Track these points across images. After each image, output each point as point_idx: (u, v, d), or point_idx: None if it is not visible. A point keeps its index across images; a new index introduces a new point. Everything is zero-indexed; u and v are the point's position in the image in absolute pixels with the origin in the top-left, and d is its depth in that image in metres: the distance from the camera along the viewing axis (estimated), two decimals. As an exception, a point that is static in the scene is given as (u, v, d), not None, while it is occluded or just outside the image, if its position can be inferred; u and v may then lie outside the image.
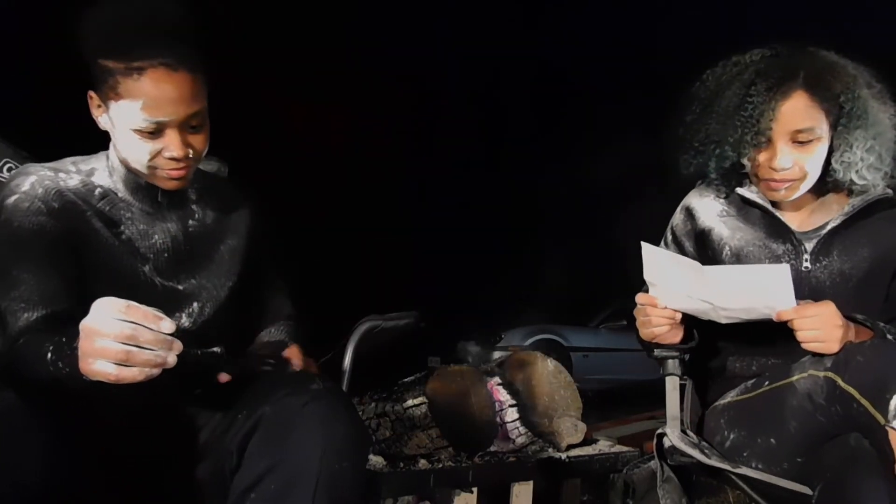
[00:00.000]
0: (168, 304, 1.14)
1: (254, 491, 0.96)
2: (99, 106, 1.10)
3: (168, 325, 0.88)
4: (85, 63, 1.06)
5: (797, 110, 1.28)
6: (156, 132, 1.06)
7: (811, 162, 1.30)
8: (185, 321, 1.16)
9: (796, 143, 1.29)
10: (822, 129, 1.29)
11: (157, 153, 1.08)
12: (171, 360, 0.88)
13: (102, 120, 1.11)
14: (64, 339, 0.91)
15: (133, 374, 0.86)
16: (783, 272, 1.18)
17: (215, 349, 1.13)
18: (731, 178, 1.43)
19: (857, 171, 1.30)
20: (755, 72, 1.33)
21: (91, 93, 1.09)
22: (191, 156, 1.10)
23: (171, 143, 1.07)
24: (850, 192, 1.36)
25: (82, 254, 1.09)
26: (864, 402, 1.08)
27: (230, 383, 1.11)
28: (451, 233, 9.90)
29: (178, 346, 0.89)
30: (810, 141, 1.29)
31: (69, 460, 0.92)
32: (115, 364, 0.85)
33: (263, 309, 1.33)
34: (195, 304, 1.18)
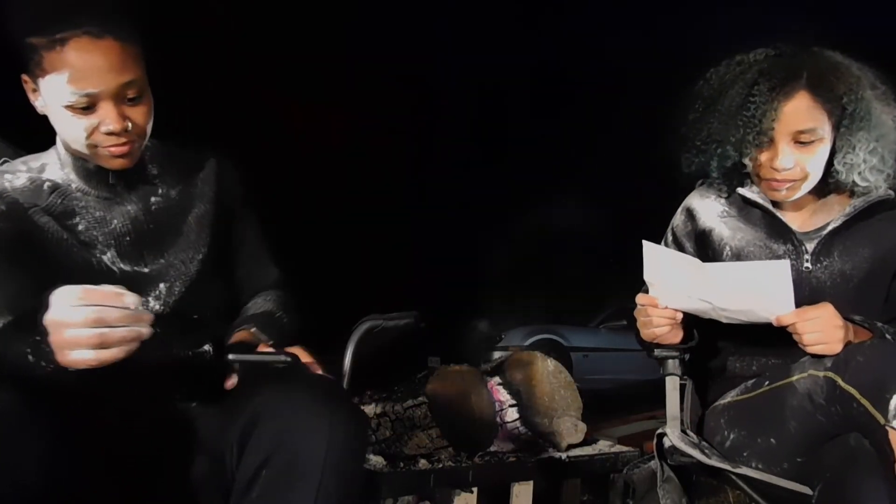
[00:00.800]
0: (129, 289, 1.10)
1: (256, 484, 0.95)
2: (34, 90, 1.05)
3: (132, 298, 0.88)
4: (15, 46, 1.01)
5: (799, 111, 1.28)
6: (88, 107, 1.00)
7: (812, 162, 1.30)
8: (153, 304, 1.11)
9: (798, 144, 1.29)
10: (825, 129, 1.29)
11: (94, 129, 1.02)
12: (146, 331, 0.88)
13: (39, 104, 1.06)
14: (38, 339, 0.90)
15: (113, 354, 0.86)
16: (783, 269, 1.18)
17: (205, 347, 1.10)
18: (732, 178, 1.44)
19: (859, 173, 1.31)
20: (758, 71, 1.33)
21: (24, 76, 1.04)
22: (130, 129, 1.03)
23: (107, 116, 1.01)
24: (852, 194, 1.36)
25: (34, 252, 1.06)
26: (864, 401, 1.08)
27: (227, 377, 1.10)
28: (452, 233, 9.90)
29: (149, 316, 0.89)
30: (812, 142, 1.29)
31: (68, 460, 0.92)
32: (92, 349, 0.85)
33: (245, 276, 1.26)
34: (161, 285, 1.12)
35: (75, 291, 0.86)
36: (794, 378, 1.19)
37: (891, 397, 1.05)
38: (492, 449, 2.17)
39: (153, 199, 1.14)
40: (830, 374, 1.13)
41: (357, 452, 1.00)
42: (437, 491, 2.02)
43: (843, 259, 1.35)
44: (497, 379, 2.27)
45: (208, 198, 1.19)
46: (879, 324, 1.26)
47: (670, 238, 1.52)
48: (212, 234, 1.17)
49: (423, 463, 2.04)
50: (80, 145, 1.04)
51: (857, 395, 1.08)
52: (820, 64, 1.31)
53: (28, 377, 0.93)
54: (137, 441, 1.05)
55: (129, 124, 1.03)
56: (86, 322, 0.84)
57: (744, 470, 1.26)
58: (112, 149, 1.04)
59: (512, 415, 2.21)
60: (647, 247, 1.31)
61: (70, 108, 1.00)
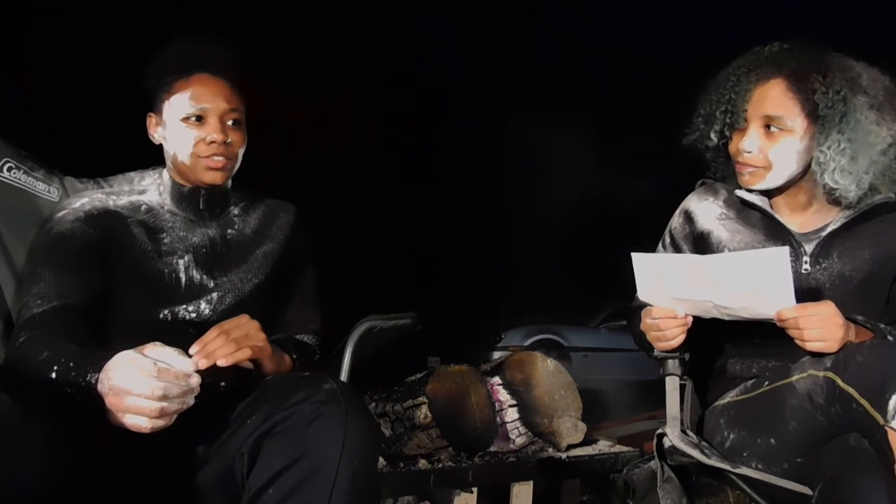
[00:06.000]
0: (189, 298, 1.25)
1: (272, 486, 0.97)
2: (157, 123, 1.30)
3: (195, 378, 0.94)
4: (148, 87, 1.30)
5: (771, 96, 1.31)
6: (200, 119, 1.25)
7: (776, 152, 1.31)
8: (204, 308, 1.25)
9: (766, 131, 1.31)
10: (795, 122, 1.29)
11: (201, 140, 1.25)
12: (191, 401, 0.94)
13: (158, 134, 1.31)
14: (72, 364, 0.97)
15: (164, 423, 0.92)
16: (781, 256, 1.16)
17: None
18: (725, 168, 1.46)
19: (830, 174, 1.30)
20: (758, 60, 1.36)
21: (150, 114, 1.31)
22: (228, 142, 1.26)
23: (213, 130, 1.25)
24: (838, 201, 1.35)
25: (112, 256, 1.22)
26: (863, 402, 1.07)
27: (234, 389, 1.12)
28: (452, 233, 9.90)
29: (197, 384, 0.94)
30: (780, 130, 1.30)
31: (68, 463, 0.92)
32: (149, 419, 0.91)
33: (292, 316, 1.39)
34: (215, 294, 1.27)
35: (149, 367, 0.90)
36: (794, 378, 1.19)
37: (890, 398, 1.05)
38: (492, 449, 2.17)
39: (229, 230, 1.34)
40: (830, 374, 1.12)
41: (371, 460, 1.03)
42: (437, 491, 2.02)
43: (842, 261, 1.34)
44: (497, 379, 2.27)
45: (278, 240, 1.37)
46: (882, 325, 1.25)
47: (668, 240, 1.51)
48: (273, 267, 1.35)
49: (423, 463, 2.04)
50: (186, 155, 1.27)
51: (857, 396, 1.08)
52: (808, 58, 1.32)
53: (33, 382, 0.97)
54: (139, 446, 1.05)
55: (229, 139, 1.27)
56: (152, 395, 0.90)
57: (744, 470, 1.26)
58: (210, 161, 1.26)
59: (512, 415, 2.21)
60: (638, 259, 1.30)
61: (186, 119, 1.26)
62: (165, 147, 1.31)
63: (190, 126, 1.26)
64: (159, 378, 0.90)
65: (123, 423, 0.91)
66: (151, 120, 1.32)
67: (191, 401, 0.94)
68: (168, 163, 1.32)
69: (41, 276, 1.17)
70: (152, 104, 1.31)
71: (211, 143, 1.25)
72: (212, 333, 1.08)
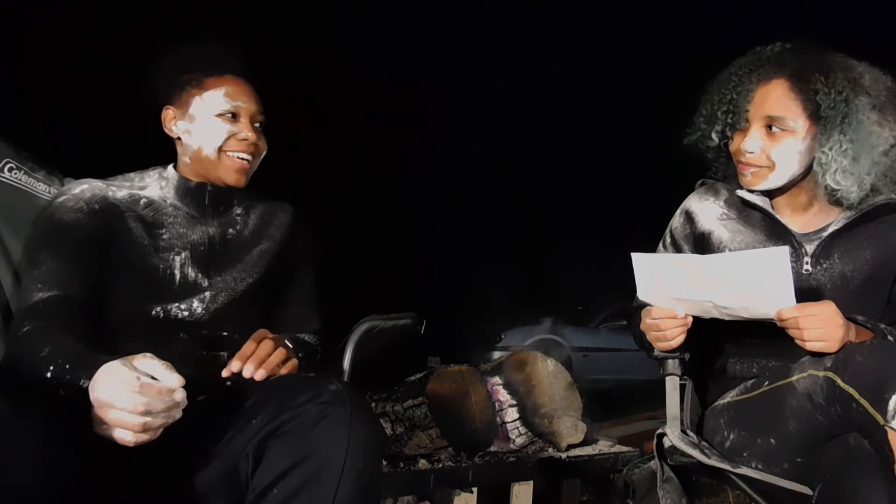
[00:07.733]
0: (182, 296, 1.24)
1: (276, 486, 0.98)
2: (175, 117, 1.31)
3: (180, 394, 0.93)
4: (169, 81, 1.31)
5: (773, 96, 1.31)
6: (235, 115, 1.29)
7: (778, 152, 1.31)
8: (196, 306, 1.25)
9: (768, 131, 1.31)
10: (797, 123, 1.30)
11: (233, 135, 1.28)
12: (178, 415, 0.93)
13: (177, 128, 1.31)
14: (68, 366, 0.97)
15: (149, 437, 0.92)
16: (781, 256, 1.16)
17: (221, 353, 1.19)
18: (727, 167, 1.45)
19: (832, 174, 1.30)
20: (759, 60, 1.36)
21: (168, 107, 1.32)
22: (257, 141, 1.30)
23: (245, 128, 1.29)
24: (839, 202, 1.35)
25: (110, 250, 1.22)
26: (863, 402, 1.07)
27: (239, 388, 1.12)
28: (452, 233, 9.90)
29: (183, 399, 0.94)
30: (782, 131, 1.30)
31: (68, 463, 0.92)
32: (132, 433, 0.90)
33: (292, 318, 1.39)
34: (208, 293, 1.27)
35: (132, 382, 0.90)
36: (794, 378, 1.19)
37: (890, 397, 1.05)
38: (492, 449, 2.17)
39: (230, 230, 1.34)
40: (830, 374, 1.12)
41: (375, 461, 1.03)
42: (437, 491, 2.02)
43: (843, 261, 1.34)
44: (497, 379, 2.28)
45: (275, 239, 1.38)
46: (882, 325, 1.25)
47: (668, 240, 1.51)
48: (267, 266, 1.35)
49: (423, 463, 2.04)
50: (212, 150, 1.28)
51: (857, 396, 1.08)
52: (810, 59, 1.32)
53: (30, 379, 0.97)
54: (145, 446, 1.05)
55: (257, 139, 1.31)
56: (134, 409, 0.90)
57: (744, 470, 1.26)
58: (238, 160, 1.29)
59: (512, 415, 2.22)
60: (638, 259, 1.30)
61: (221, 115, 1.28)
62: (186, 141, 1.30)
63: (224, 121, 1.28)
64: (142, 393, 0.90)
65: (109, 437, 0.91)
66: (169, 113, 1.32)
67: (177, 414, 0.93)
68: (184, 158, 1.32)
69: (41, 261, 1.18)
70: (170, 99, 1.32)
71: (243, 141, 1.28)
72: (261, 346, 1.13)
